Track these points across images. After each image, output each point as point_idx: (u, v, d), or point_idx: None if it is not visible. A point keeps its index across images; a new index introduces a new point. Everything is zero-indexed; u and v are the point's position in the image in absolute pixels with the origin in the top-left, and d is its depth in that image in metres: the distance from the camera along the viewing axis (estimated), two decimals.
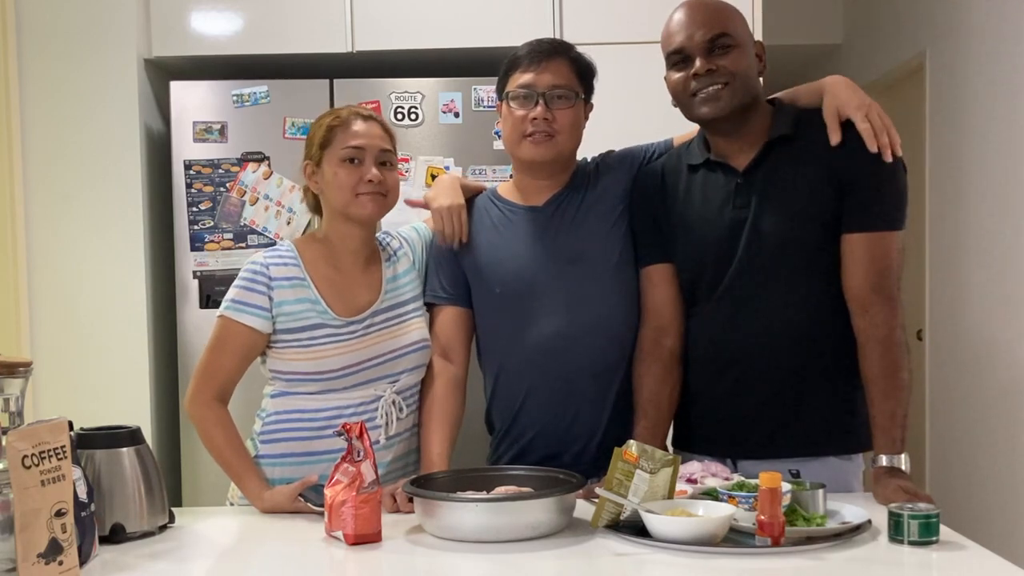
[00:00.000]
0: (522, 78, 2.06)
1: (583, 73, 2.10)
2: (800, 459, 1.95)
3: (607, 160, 2.20)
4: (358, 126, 2.05)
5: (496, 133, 3.11)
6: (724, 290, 1.99)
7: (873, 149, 1.89)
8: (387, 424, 2.04)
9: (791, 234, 1.94)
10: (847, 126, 1.92)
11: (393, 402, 2.04)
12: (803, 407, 1.97)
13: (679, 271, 2.06)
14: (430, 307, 2.18)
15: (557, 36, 3.18)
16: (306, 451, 2.02)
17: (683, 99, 1.98)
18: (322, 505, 1.78)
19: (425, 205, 2.21)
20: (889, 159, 1.89)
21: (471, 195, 2.24)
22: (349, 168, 2.03)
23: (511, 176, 2.22)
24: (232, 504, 2.10)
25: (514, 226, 2.14)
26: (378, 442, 2.00)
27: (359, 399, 2.03)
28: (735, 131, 1.98)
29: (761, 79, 2.02)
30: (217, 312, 2.06)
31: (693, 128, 2.10)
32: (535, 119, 2.04)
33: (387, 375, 2.05)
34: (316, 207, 2.17)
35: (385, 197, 2.06)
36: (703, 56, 1.93)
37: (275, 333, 2.03)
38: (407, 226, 2.29)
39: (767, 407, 1.98)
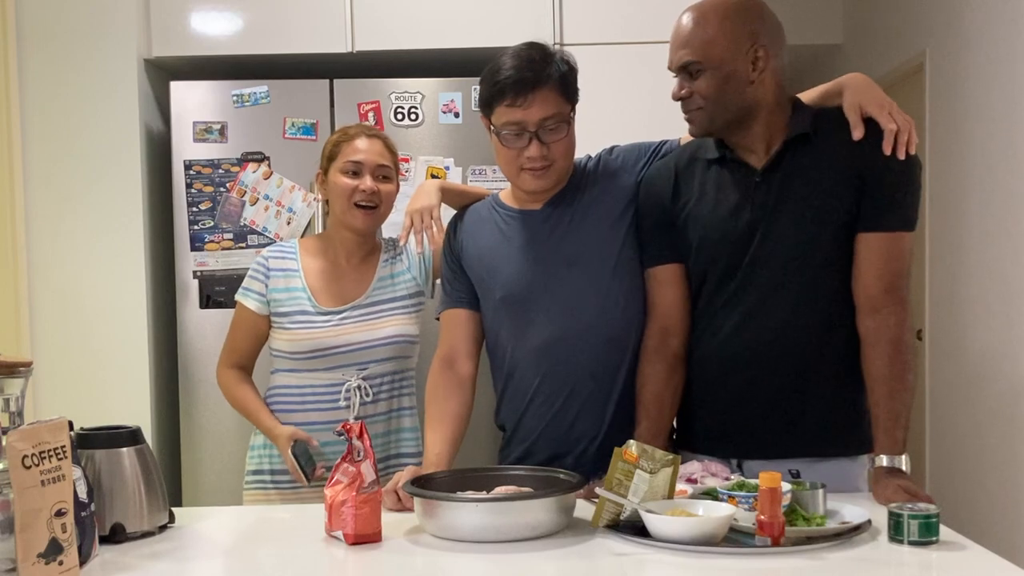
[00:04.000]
0: (509, 115, 2.00)
1: (569, 89, 2.04)
2: (808, 459, 1.95)
3: (608, 158, 2.18)
4: (360, 143, 2.32)
5: None
6: (737, 289, 1.98)
7: (888, 151, 1.88)
8: (352, 407, 2.27)
9: (809, 235, 1.93)
10: (868, 123, 1.91)
11: (359, 387, 2.28)
12: (812, 408, 1.97)
13: (690, 267, 2.04)
14: (441, 314, 2.21)
15: (557, 36, 3.19)
16: (288, 422, 2.31)
17: None
18: (306, 471, 2.19)
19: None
20: (902, 156, 1.89)
21: (469, 201, 2.25)
22: (349, 179, 2.30)
23: None
24: (249, 473, 2.38)
25: (513, 231, 2.13)
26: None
27: (328, 380, 2.30)
28: (741, 136, 1.97)
29: (767, 75, 1.94)
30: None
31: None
32: (532, 157, 2.01)
33: (356, 363, 2.29)
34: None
35: (377, 208, 2.31)
36: (679, 79, 1.96)
37: (271, 316, 2.34)
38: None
39: (777, 407, 1.97)
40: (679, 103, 1.99)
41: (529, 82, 1.98)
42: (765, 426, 1.98)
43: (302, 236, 2.38)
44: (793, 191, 1.94)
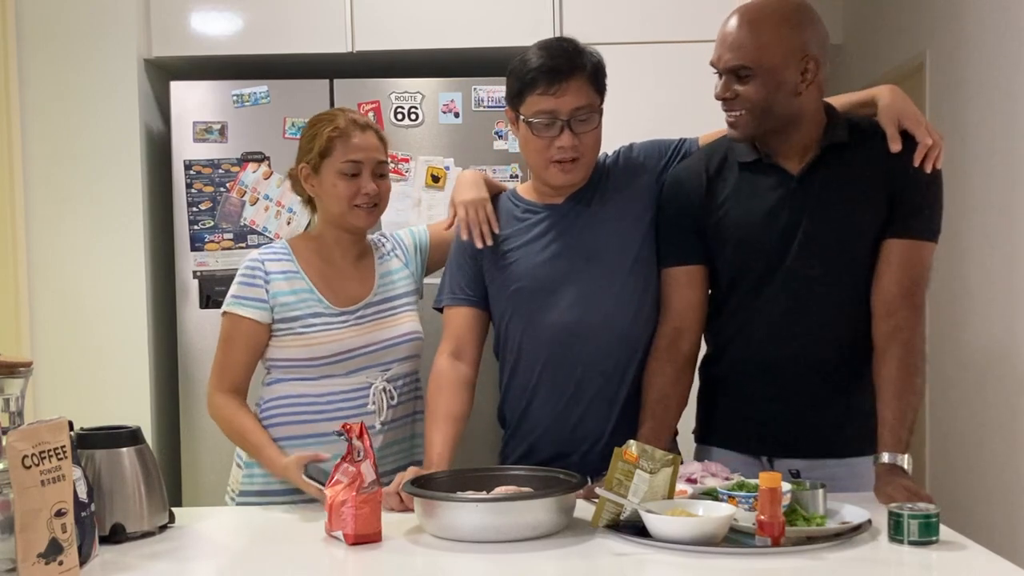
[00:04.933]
0: (541, 103, 2.00)
1: (600, 82, 2.06)
2: (844, 459, 1.97)
3: (630, 155, 2.17)
4: (357, 138, 2.12)
5: (497, 133, 3.11)
6: (775, 293, 1.98)
7: (917, 164, 1.92)
8: (379, 410, 2.11)
9: (847, 242, 1.95)
10: (903, 135, 1.94)
11: (384, 389, 2.13)
12: (850, 409, 1.99)
13: (722, 269, 2.04)
14: (446, 307, 2.19)
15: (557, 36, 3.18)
16: (306, 433, 2.10)
17: None
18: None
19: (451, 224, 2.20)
20: (928, 169, 1.94)
21: (494, 193, 2.22)
22: (348, 181, 2.12)
23: (511, 177, 2.22)
24: (232, 497, 2.17)
25: (532, 224, 2.13)
26: (373, 427, 2.06)
27: (351, 386, 2.12)
28: (780, 142, 1.98)
29: (813, 86, 1.94)
30: (221, 310, 2.16)
31: (720, 128, 2.09)
32: (563, 147, 2.01)
33: (378, 364, 2.14)
34: (308, 200, 2.25)
35: (377, 207, 2.16)
36: (724, 81, 1.94)
37: (274, 323, 2.13)
38: (403, 229, 2.36)
39: (817, 408, 1.99)
40: (720, 103, 1.97)
41: (563, 71, 1.99)
42: (804, 426, 1.99)
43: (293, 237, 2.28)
44: (830, 197, 1.96)
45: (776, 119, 1.94)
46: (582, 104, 2.01)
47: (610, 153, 2.19)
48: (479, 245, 2.12)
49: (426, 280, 2.33)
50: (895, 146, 1.92)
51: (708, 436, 2.12)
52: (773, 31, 1.91)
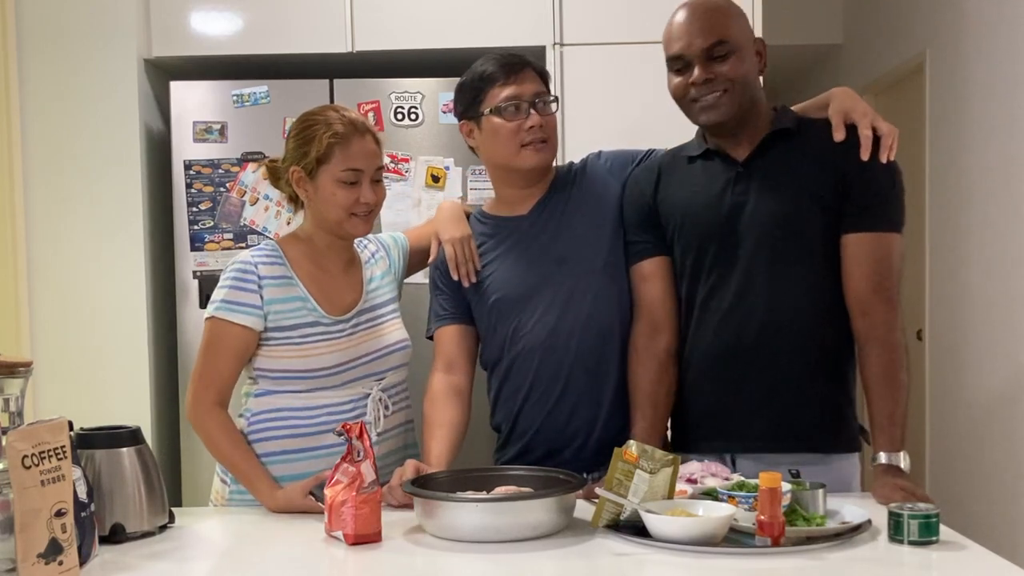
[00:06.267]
0: (505, 91, 2.07)
1: (547, 81, 2.16)
2: (798, 455, 1.95)
3: (596, 162, 2.22)
4: (357, 145, 2.04)
5: None
6: (720, 281, 1.99)
7: (865, 157, 1.91)
8: (376, 420, 2.07)
9: (790, 222, 1.95)
10: (851, 129, 1.93)
11: (380, 399, 2.09)
12: (791, 404, 1.97)
13: (676, 260, 2.05)
14: (435, 331, 2.21)
15: (557, 36, 3.19)
16: (302, 448, 2.04)
17: (683, 104, 2.00)
18: None
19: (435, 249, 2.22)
20: (884, 159, 1.91)
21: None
22: (347, 189, 2.04)
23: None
24: (215, 506, 2.12)
25: (502, 238, 2.17)
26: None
27: (349, 396, 2.06)
28: (736, 131, 1.99)
29: (761, 77, 2.03)
30: (206, 314, 2.07)
31: (685, 141, 2.12)
32: (533, 127, 2.06)
33: (373, 373, 2.10)
34: (292, 197, 2.17)
35: (372, 213, 2.10)
36: (701, 64, 1.94)
37: (265, 331, 2.04)
38: (385, 233, 2.34)
39: (757, 403, 1.98)
40: (681, 99, 1.98)
41: (516, 63, 2.10)
42: (747, 422, 1.99)
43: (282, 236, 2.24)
44: (775, 179, 1.97)
45: (750, 98, 1.96)
46: (541, 90, 2.11)
47: (575, 162, 2.23)
48: (465, 284, 2.15)
49: (404, 281, 2.32)
50: (838, 135, 1.93)
51: (678, 442, 2.08)
52: (735, 13, 1.98)
